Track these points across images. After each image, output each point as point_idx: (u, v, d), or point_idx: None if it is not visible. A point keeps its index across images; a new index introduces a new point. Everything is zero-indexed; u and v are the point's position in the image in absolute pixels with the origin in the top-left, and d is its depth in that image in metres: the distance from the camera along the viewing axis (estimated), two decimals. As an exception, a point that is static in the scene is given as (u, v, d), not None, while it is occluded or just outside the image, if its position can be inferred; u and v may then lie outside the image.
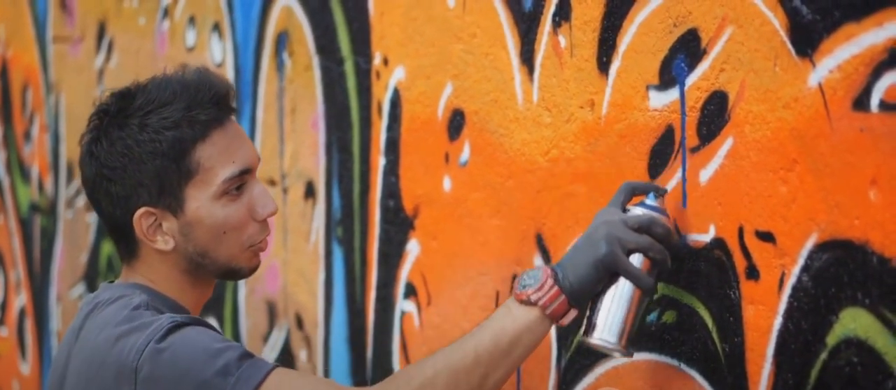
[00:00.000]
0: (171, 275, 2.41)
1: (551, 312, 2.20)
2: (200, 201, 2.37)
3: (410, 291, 3.23)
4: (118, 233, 2.43)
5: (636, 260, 2.20)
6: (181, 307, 2.41)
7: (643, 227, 2.20)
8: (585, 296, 2.21)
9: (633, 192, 2.29)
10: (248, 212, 2.40)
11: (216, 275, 2.44)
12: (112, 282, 2.49)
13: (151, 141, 2.35)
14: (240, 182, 2.39)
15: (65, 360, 2.43)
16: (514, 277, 2.80)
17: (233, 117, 2.44)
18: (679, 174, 2.33)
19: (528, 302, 2.20)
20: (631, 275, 2.19)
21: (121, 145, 2.36)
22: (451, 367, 2.20)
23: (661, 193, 2.26)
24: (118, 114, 2.38)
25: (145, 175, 2.35)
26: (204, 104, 2.37)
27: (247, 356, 2.23)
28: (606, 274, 2.20)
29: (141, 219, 2.37)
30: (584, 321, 2.24)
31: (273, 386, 2.20)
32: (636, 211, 2.24)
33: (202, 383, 2.19)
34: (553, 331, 2.70)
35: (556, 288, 2.19)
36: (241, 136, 2.42)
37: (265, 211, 2.41)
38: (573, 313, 2.20)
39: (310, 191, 3.72)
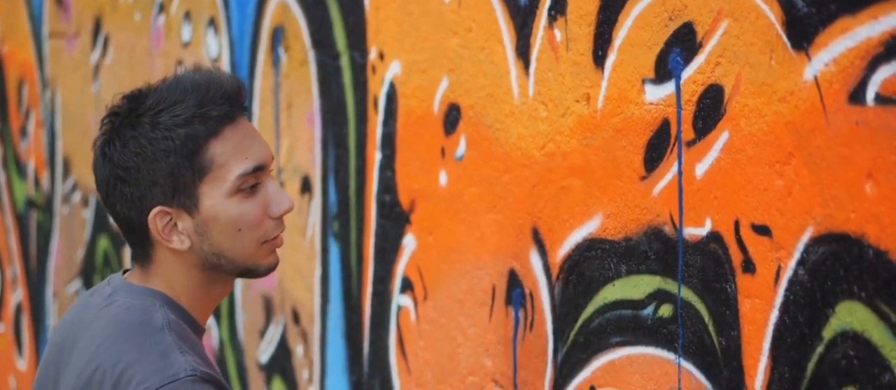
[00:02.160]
0: (188, 277, 2.40)
1: None
2: (215, 198, 2.36)
3: (407, 286, 3.23)
4: (134, 235, 2.41)
5: None
6: (197, 322, 2.41)
7: None
8: None
9: None
10: (262, 209, 2.39)
11: (233, 274, 2.43)
12: (124, 274, 2.47)
13: (164, 138, 2.34)
14: (254, 180, 2.38)
15: (60, 345, 2.42)
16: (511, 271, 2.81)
17: (245, 115, 2.43)
18: (675, 168, 2.33)
19: None
20: None
21: (134, 145, 2.35)
22: None
23: None
24: (129, 114, 2.37)
25: (159, 173, 2.34)
26: (215, 101, 2.36)
27: None
28: None
29: (156, 218, 2.36)
30: None
31: None
32: None
33: None
34: (550, 325, 2.70)
35: None
36: (254, 134, 2.42)
37: (281, 208, 2.40)
38: None
39: (306, 186, 3.72)
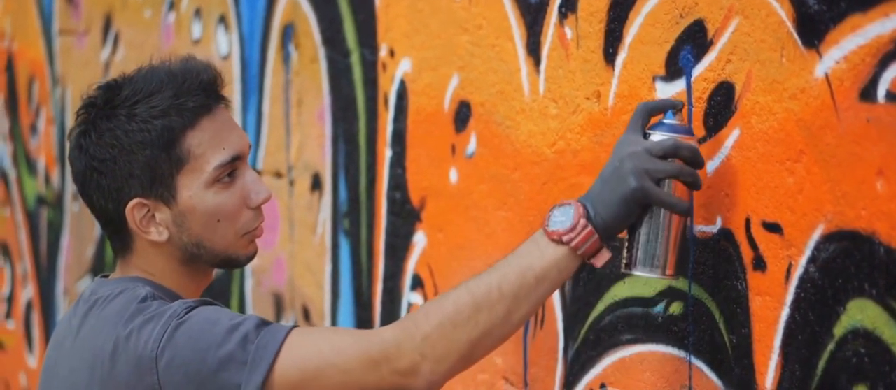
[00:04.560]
0: (168, 266, 2.40)
1: (582, 252, 2.17)
2: (192, 189, 2.36)
3: (417, 283, 3.23)
4: (111, 226, 2.41)
5: (666, 184, 2.17)
6: (181, 298, 2.40)
7: (669, 153, 2.16)
8: (617, 232, 2.18)
9: (650, 113, 2.23)
10: (241, 199, 2.39)
11: (213, 265, 2.43)
12: (106, 276, 2.47)
13: (140, 130, 2.33)
14: (231, 168, 2.38)
15: (56, 358, 2.40)
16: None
17: (223, 105, 2.42)
18: (685, 165, 2.33)
19: (559, 242, 2.17)
20: (667, 203, 2.15)
21: (109, 136, 2.35)
22: (474, 302, 2.16)
23: (678, 109, 2.22)
24: (105, 105, 2.37)
25: (136, 165, 2.34)
26: (191, 92, 2.36)
27: (264, 323, 2.23)
28: (638, 207, 2.16)
29: (133, 210, 2.36)
30: (623, 254, 2.22)
31: (292, 348, 2.20)
32: (658, 135, 2.19)
33: (224, 356, 2.19)
34: (560, 323, 2.70)
35: (589, 227, 2.15)
36: (231, 123, 2.41)
37: (259, 198, 2.40)
38: (605, 254, 2.17)
39: (316, 184, 3.72)
